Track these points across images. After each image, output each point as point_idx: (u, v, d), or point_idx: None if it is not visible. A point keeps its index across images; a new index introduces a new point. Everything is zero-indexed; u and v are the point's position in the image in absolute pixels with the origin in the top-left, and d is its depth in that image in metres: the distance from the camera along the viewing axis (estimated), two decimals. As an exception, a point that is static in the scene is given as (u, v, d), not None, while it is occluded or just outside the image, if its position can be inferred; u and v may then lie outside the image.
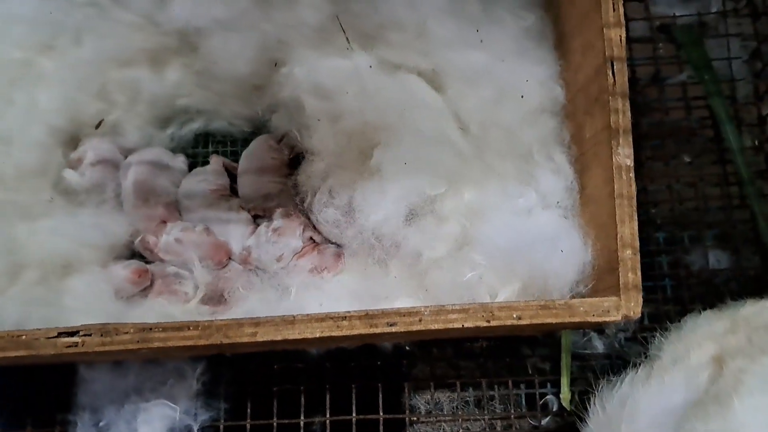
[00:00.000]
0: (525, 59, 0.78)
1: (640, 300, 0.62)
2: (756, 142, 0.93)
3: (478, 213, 0.75)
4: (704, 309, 0.71)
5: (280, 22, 0.77)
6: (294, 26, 0.77)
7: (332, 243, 0.84)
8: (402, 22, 0.77)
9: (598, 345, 0.81)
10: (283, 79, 0.79)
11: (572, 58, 0.76)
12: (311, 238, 0.84)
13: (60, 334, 0.58)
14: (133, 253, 0.84)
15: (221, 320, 0.59)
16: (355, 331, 0.59)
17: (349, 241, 0.81)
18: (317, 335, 0.59)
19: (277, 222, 0.82)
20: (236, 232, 0.83)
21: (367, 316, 0.60)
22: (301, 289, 0.80)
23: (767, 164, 0.92)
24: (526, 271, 0.70)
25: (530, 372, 0.82)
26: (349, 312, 0.60)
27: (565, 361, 0.80)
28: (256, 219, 0.86)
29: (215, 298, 0.81)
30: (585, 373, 0.81)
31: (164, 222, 0.84)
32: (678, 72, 0.95)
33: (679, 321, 0.71)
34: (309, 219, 0.84)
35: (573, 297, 0.68)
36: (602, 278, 0.66)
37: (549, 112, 0.77)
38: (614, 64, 0.66)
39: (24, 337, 0.58)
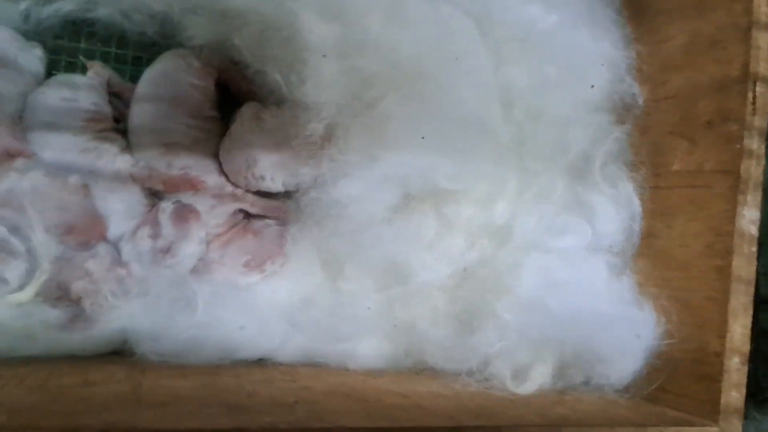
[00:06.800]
0: (596, 29, 0.54)
1: (740, 429, 0.44)
2: None
3: (506, 238, 0.52)
4: None
5: None
6: None
7: (267, 217, 0.58)
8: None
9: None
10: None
11: (662, 49, 0.54)
12: (241, 211, 0.57)
13: None
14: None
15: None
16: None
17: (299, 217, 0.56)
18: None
19: (166, 228, 0.53)
20: (119, 209, 0.53)
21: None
22: (213, 299, 0.53)
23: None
24: (567, 345, 0.49)
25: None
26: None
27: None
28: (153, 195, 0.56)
29: (62, 295, 0.51)
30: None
31: (9, 156, 0.51)
32: None
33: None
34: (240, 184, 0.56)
35: (632, 398, 0.49)
36: (681, 381, 0.47)
37: (615, 115, 0.55)
38: (757, 85, 0.46)
39: None
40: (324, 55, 0.46)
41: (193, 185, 0.54)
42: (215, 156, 0.56)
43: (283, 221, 0.57)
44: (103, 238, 0.53)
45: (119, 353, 0.51)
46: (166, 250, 0.52)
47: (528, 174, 0.53)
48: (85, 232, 0.52)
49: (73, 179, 0.52)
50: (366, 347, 0.53)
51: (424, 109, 0.47)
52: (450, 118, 0.48)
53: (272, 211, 0.57)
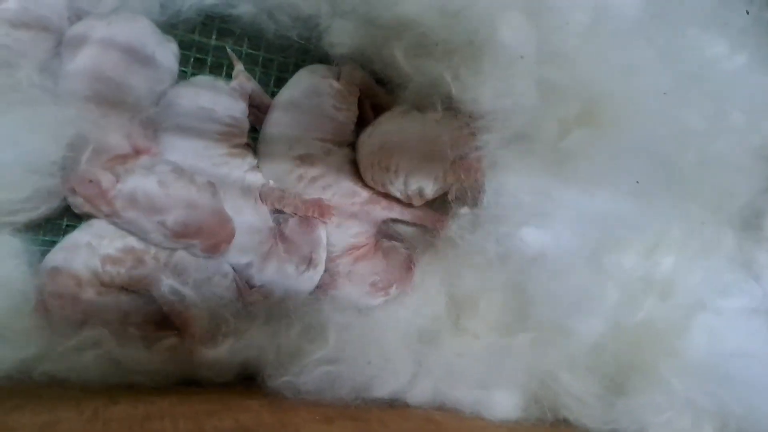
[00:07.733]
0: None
1: None
2: None
3: (668, 294, 0.48)
4: None
5: None
6: None
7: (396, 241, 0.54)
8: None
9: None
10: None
11: None
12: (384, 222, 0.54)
13: None
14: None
15: None
16: None
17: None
18: None
19: (299, 240, 0.51)
20: (245, 227, 0.49)
21: None
22: (341, 329, 0.49)
23: None
24: (734, 417, 0.45)
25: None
26: None
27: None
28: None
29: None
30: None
31: (136, 153, 0.47)
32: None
33: None
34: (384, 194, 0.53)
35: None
36: None
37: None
38: None
39: None
40: (522, 57, 0.42)
41: (323, 212, 0.50)
42: (349, 164, 0.52)
43: (412, 248, 0.54)
44: (231, 242, 0.49)
45: (245, 379, 0.48)
46: (308, 262, 0.49)
47: (693, 224, 0.49)
48: (215, 233, 0.48)
49: (200, 179, 0.48)
50: (501, 394, 0.50)
51: (618, 146, 0.43)
52: (641, 157, 0.44)
53: (429, 221, 0.52)
